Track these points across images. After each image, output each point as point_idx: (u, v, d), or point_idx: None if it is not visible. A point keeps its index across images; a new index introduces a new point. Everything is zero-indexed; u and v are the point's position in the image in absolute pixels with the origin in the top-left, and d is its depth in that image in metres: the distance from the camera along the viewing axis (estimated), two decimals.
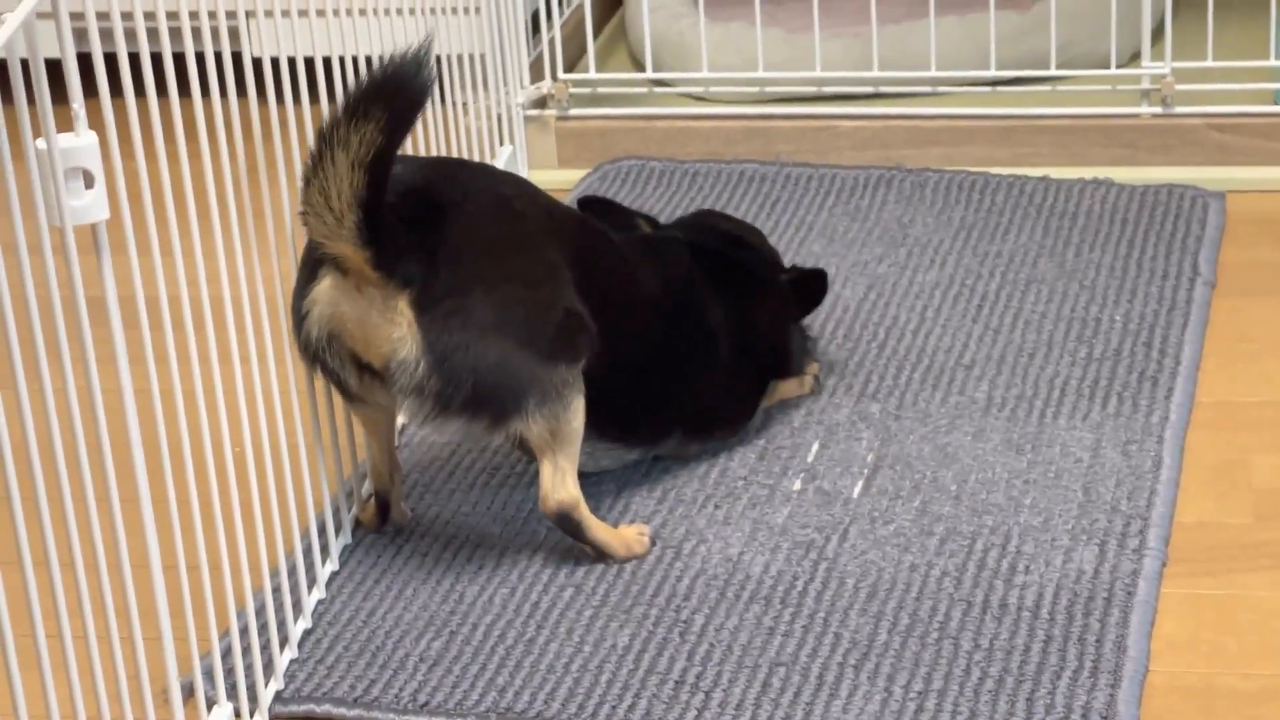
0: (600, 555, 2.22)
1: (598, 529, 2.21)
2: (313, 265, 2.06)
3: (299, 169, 2.11)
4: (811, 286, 2.50)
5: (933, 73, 3.20)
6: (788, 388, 2.51)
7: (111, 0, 1.62)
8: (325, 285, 2.05)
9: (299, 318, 2.08)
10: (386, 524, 2.30)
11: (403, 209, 2.00)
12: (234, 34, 2.00)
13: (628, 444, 2.33)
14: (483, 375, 2.04)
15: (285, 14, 2.18)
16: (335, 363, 2.09)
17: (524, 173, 3.16)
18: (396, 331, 2.02)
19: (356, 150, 1.92)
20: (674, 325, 2.31)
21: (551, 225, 2.16)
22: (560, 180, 3.16)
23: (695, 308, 2.34)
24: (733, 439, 2.42)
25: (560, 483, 2.15)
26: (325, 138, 1.93)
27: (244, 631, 2.05)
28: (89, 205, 1.56)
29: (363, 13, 2.37)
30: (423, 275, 2.01)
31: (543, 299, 2.09)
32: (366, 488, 2.35)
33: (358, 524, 2.32)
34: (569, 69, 3.32)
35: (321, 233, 1.98)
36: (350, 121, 1.92)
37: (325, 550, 2.25)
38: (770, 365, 2.46)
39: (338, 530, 2.29)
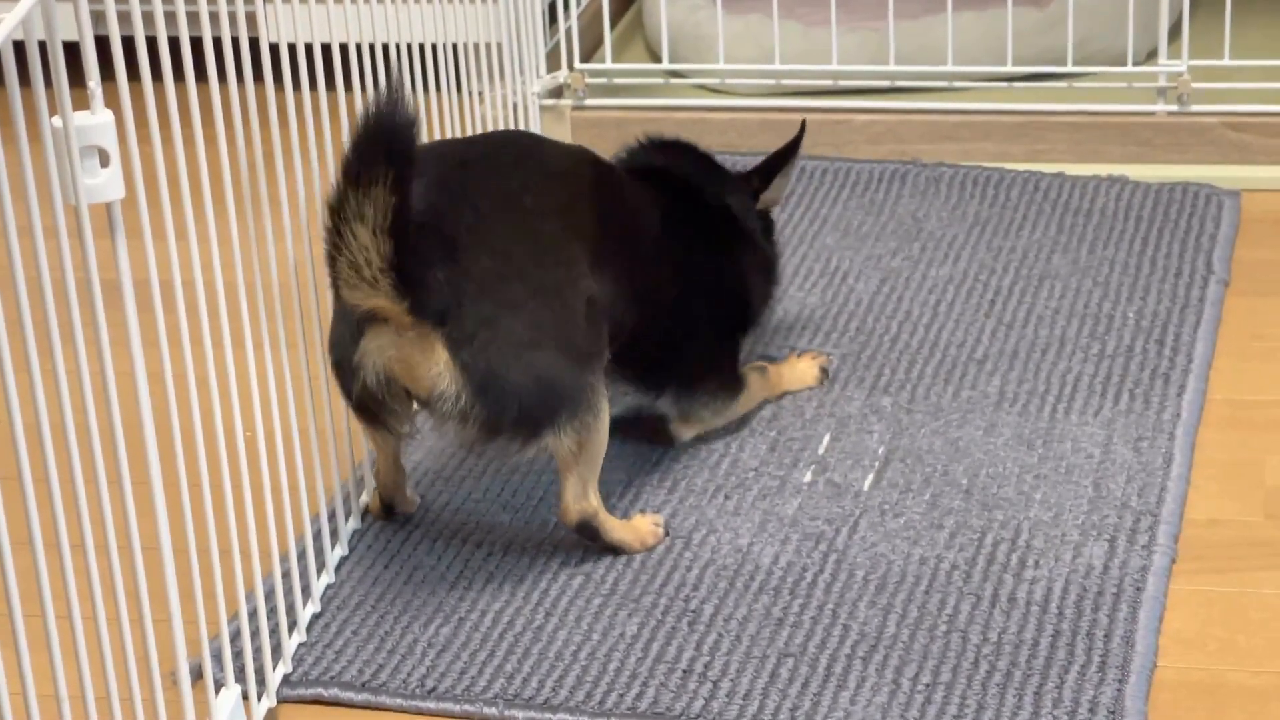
0: (615, 552, 2.23)
1: (615, 530, 2.22)
2: (355, 321, 2.06)
3: (314, 155, 2.12)
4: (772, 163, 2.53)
5: (949, 68, 3.20)
6: (793, 378, 2.51)
7: None
8: (370, 338, 2.05)
9: (350, 371, 2.08)
10: (394, 515, 2.31)
11: (420, 245, 2.00)
12: (251, 19, 2.01)
13: (644, 386, 2.34)
14: (525, 396, 2.06)
15: (302, 0, 2.17)
16: (394, 403, 2.10)
17: None
18: (435, 369, 2.04)
19: (374, 219, 1.93)
20: (673, 268, 2.33)
21: (566, 202, 2.16)
22: None
23: (687, 252, 2.36)
24: (721, 405, 2.42)
25: (582, 494, 2.17)
26: (339, 213, 1.94)
27: (253, 615, 2.05)
28: (104, 184, 1.56)
29: (380, 0, 2.37)
30: (453, 311, 2.02)
31: (568, 303, 2.11)
32: (356, 514, 2.36)
33: (366, 510, 2.33)
34: (585, 59, 3.32)
35: (358, 297, 2.00)
36: (358, 191, 1.92)
37: (335, 535, 2.25)
38: (737, 315, 2.46)
39: (347, 515, 2.29)
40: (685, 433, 2.42)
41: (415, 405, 2.14)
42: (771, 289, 2.52)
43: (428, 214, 2.02)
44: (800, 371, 2.53)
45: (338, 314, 2.11)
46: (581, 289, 2.12)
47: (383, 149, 1.92)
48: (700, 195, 2.43)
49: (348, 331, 2.07)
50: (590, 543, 2.22)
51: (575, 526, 2.20)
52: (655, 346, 2.32)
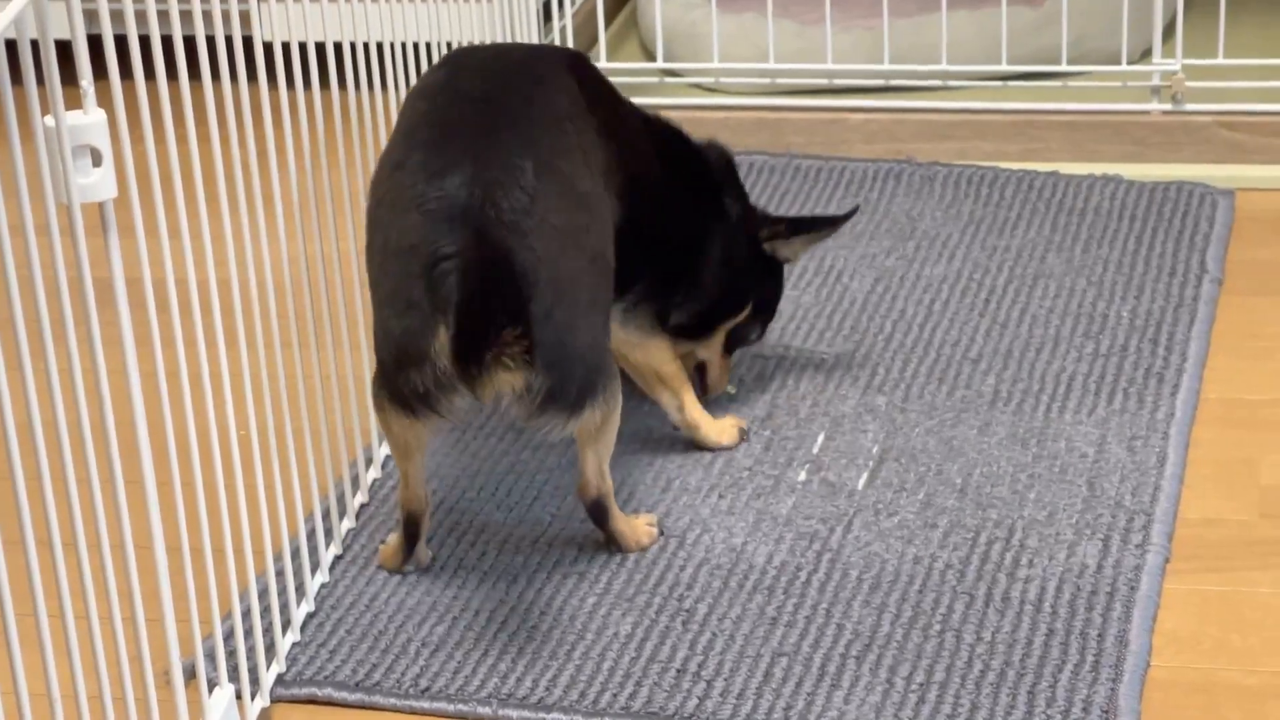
0: (610, 543, 2.23)
1: (620, 519, 2.23)
2: (426, 316, 2.02)
3: (308, 154, 2.12)
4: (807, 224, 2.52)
5: (944, 66, 3.20)
6: (711, 428, 2.45)
7: None
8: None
9: (418, 359, 2.02)
10: (410, 560, 2.23)
11: (494, 238, 2.00)
12: (245, 18, 2.00)
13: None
14: (587, 362, 2.07)
15: None
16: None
17: None
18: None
19: (518, 369, 1.93)
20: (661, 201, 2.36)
21: (583, 146, 2.17)
22: None
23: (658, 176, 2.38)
24: (650, 330, 2.38)
25: (600, 472, 2.18)
26: (482, 386, 1.95)
27: (246, 614, 2.05)
28: (96, 183, 1.56)
29: None
30: (532, 294, 2.00)
31: (610, 263, 2.14)
32: (351, 512, 2.35)
33: (362, 507, 2.33)
34: None
35: None
36: (494, 355, 1.92)
37: (329, 534, 2.25)
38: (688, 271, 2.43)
39: (341, 514, 2.29)
40: (624, 338, 2.37)
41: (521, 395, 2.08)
42: (740, 293, 2.48)
43: (487, 207, 2.02)
44: (719, 425, 2.47)
45: (400, 307, 2.05)
46: (612, 243, 2.16)
47: (498, 314, 1.91)
48: (702, 161, 2.46)
49: (418, 321, 2.02)
50: (595, 524, 2.23)
51: (591, 504, 2.21)
52: (630, 239, 2.30)
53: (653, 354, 2.38)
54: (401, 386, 2.05)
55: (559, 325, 2.02)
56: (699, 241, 2.42)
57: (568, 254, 2.07)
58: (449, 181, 2.03)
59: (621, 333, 2.35)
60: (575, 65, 2.31)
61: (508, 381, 1.95)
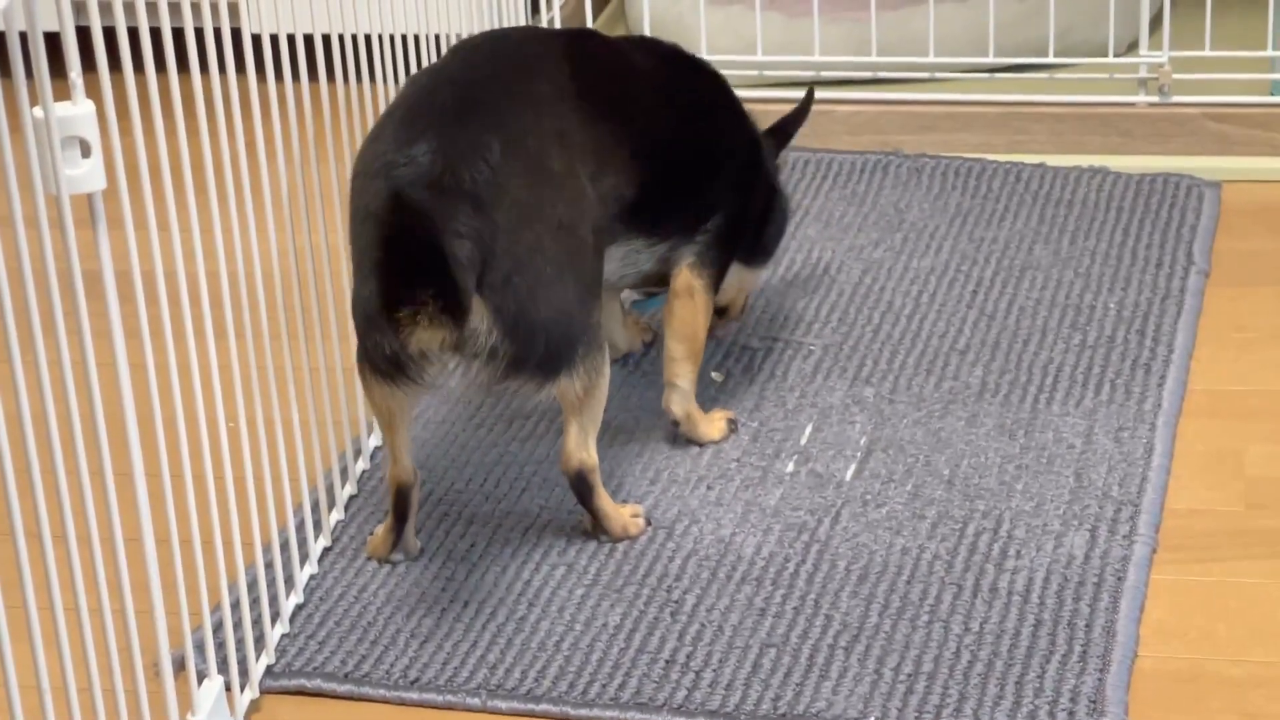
0: (596, 528, 2.23)
1: (605, 498, 2.23)
2: (387, 280, 2.04)
3: (296, 145, 2.12)
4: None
5: (931, 58, 3.20)
6: (705, 425, 2.45)
7: None
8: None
9: (385, 325, 2.04)
10: (398, 547, 2.23)
11: (451, 208, 2.02)
12: (233, 9, 2.01)
13: (649, 236, 2.35)
14: (551, 331, 2.08)
15: None
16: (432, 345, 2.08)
17: None
18: (473, 313, 2.03)
19: (436, 327, 1.98)
20: (674, 120, 2.39)
21: (560, 127, 2.18)
22: None
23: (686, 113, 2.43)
24: (719, 256, 2.41)
25: (584, 444, 2.18)
26: (401, 340, 2.01)
27: (235, 605, 2.05)
28: (85, 174, 1.56)
29: None
30: (487, 262, 2.03)
31: (582, 238, 2.14)
32: (340, 504, 2.35)
33: (352, 498, 2.33)
34: None
35: None
36: (414, 321, 1.97)
37: (318, 525, 2.25)
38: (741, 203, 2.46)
39: (330, 505, 2.29)
40: (693, 279, 2.39)
41: (448, 351, 2.10)
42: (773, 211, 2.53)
43: (446, 176, 2.04)
44: (709, 419, 2.48)
45: (365, 273, 2.07)
46: (590, 221, 2.16)
47: (420, 279, 1.95)
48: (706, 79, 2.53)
49: (380, 286, 2.04)
50: (580, 502, 2.23)
51: (573, 476, 2.20)
52: (664, 196, 2.34)
53: (700, 311, 2.39)
54: (373, 351, 2.08)
55: (518, 293, 2.04)
56: (752, 184, 2.46)
57: (530, 226, 2.08)
58: (416, 149, 2.06)
59: (692, 273, 2.38)
60: (573, 48, 2.31)
61: (430, 338, 1.99)
